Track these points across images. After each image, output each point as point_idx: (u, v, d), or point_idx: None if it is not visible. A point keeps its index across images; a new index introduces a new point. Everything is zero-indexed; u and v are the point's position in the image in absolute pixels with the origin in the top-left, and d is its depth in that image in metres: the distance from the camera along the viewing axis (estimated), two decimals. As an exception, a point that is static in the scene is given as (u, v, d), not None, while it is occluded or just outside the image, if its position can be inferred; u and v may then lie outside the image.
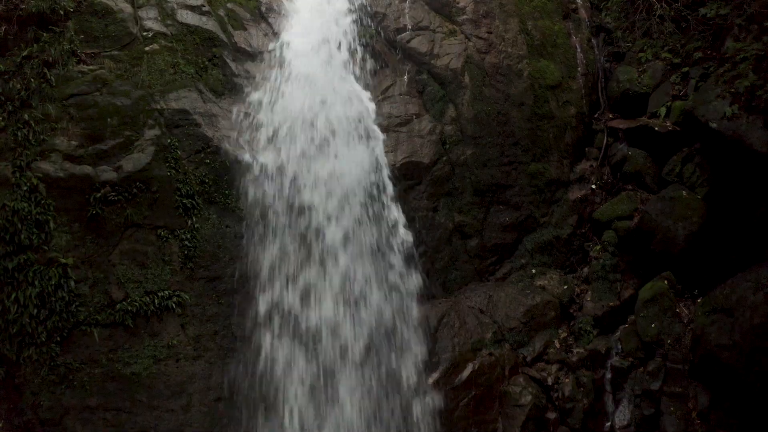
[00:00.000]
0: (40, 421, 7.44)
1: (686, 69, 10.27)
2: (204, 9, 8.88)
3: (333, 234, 8.21)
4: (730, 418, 8.13)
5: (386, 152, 9.04)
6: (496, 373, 8.96)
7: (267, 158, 8.38)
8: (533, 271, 9.78)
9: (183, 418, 7.77)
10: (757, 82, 8.43)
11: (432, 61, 9.68)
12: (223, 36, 8.84)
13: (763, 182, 8.40)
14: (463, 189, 9.48)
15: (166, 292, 7.80)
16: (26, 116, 7.61)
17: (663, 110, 10.15)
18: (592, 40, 11.17)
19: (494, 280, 9.69)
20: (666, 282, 9.24)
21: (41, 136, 7.63)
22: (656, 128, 10.03)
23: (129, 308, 7.66)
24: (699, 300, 8.96)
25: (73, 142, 7.73)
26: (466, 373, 8.82)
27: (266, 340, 7.90)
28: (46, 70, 7.79)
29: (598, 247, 9.92)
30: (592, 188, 10.34)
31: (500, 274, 9.74)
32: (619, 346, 9.21)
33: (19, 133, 7.54)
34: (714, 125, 8.76)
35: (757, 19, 8.85)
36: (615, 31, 11.27)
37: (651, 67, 10.66)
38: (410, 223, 9.04)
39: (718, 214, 9.05)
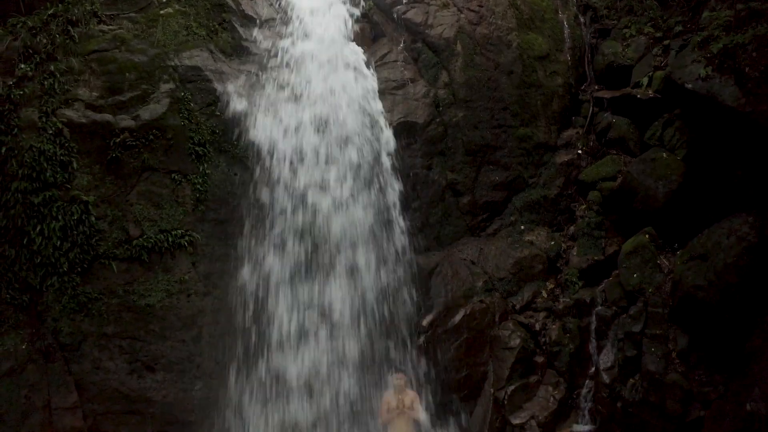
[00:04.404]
0: (60, 345, 8.02)
1: (667, 42, 10.93)
2: (214, -23, 9.59)
3: None
4: (708, 357, 8.59)
5: (383, 113, 9.69)
6: (487, 318, 9.50)
7: (271, 114, 9.06)
8: (522, 227, 10.36)
9: (193, 349, 8.34)
10: (729, 44, 9.05)
11: (426, 31, 10.36)
12: (231, 3, 9.54)
13: (735, 137, 8.95)
14: (456, 149, 10.10)
15: (179, 231, 8.41)
16: (52, 68, 8.30)
17: (645, 80, 10.77)
18: (579, 17, 11.85)
19: (485, 236, 10.26)
20: (647, 236, 9.75)
21: (65, 87, 8.31)
22: (638, 96, 10.65)
23: (145, 244, 8.27)
24: (678, 252, 9.46)
25: (95, 93, 8.40)
26: (458, 317, 9.37)
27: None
28: (70, 28, 8.50)
29: (584, 206, 10.50)
30: (578, 153, 10.95)
31: (491, 230, 10.32)
32: (604, 297, 9.68)
33: (45, 83, 8.22)
34: (690, 86, 9.30)
35: (731, -13, 9.50)
36: (601, 9, 12.00)
37: (635, 41, 11.32)
38: (405, 180, 9.64)
39: (696, 172, 9.57)
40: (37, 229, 7.87)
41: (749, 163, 8.79)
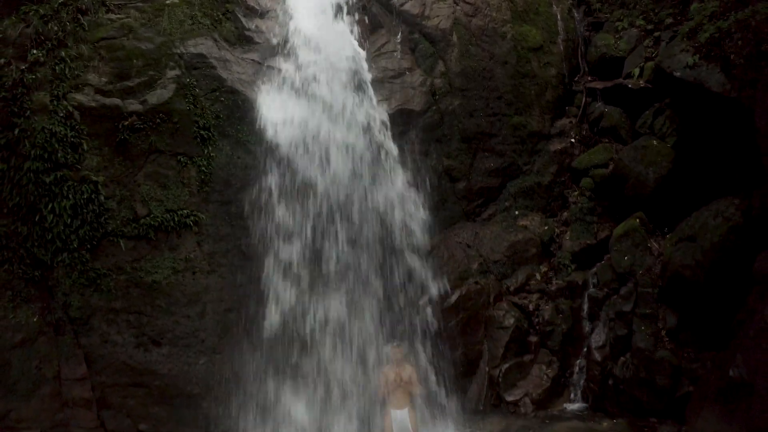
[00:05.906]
0: (70, 319, 8.32)
1: (658, 33, 11.26)
2: (218, -31, 9.93)
3: None
4: (696, 334, 8.87)
5: (381, 101, 10.01)
6: (482, 299, 9.78)
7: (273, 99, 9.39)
8: (516, 212, 10.66)
9: (197, 324, 8.63)
10: (715, 32, 9.37)
11: (423, 22, 10.70)
12: (235, -6, 9.90)
13: (722, 122, 9.24)
14: (452, 136, 10.42)
15: (185, 211, 8.72)
16: (63, 54, 8.62)
17: (636, 71, 11.10)
18: (573, 10, 12.19)
19: (480, 220, 10.57)
20: (638, 220, 10.05)
21: (76, 72, 8.64)
22: (630, 86, 10.98)
23: (152, 223, 8.58)
24: (668, 235, 9.75)
25: (104, 79, 8.72)
26: (454, 297, 9.65)
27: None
28: (79, 16, 8.84)
29: (577, 193, 10.81)
30: (572, 141, 11.26)
31: (486, 214, 10.62)
32: (596, 279, 9.98)
33: (56, 68, 8.56)
34: (678, 74, 9.63)
35: (717, -20, 9.82)
36: (594, 3, 12.36)
37: (626, 33, 11.66)
38: (403, 166, 9.95)
39: (685, 158, 9.88)
40: (49, 207, 8.18)
41: (736, 147, 9.07)
